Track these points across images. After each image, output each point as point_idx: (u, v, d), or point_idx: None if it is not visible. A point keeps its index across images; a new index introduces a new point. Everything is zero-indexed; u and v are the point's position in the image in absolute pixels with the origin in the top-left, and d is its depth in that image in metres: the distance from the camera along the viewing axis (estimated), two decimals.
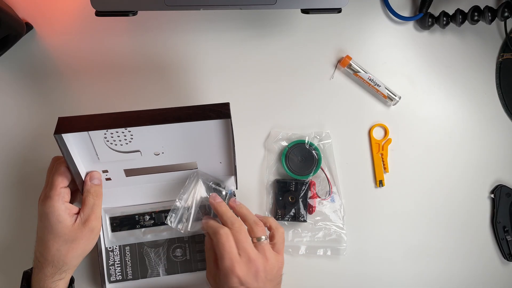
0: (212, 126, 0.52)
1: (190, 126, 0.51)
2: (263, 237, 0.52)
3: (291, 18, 0.63)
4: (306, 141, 0.61)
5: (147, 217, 0.58)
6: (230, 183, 0.59)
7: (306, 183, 0.61)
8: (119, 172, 0.56)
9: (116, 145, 0.53)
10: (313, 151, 0.61)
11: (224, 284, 0.49)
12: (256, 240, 0.51)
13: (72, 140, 0.51)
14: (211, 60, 0.63)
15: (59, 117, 0.48)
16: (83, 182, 0.54)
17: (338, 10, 0.51)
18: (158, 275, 0.58)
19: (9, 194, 0.61)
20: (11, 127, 0.61)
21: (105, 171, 0.56)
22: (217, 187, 0.58)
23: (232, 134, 0.51)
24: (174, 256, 0.58)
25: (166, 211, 0.58)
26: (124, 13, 0.51)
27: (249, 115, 0.63)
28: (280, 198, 0.61)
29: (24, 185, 0.61)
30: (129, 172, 0.57)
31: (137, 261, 0.58)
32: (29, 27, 0.61)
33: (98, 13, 0.51)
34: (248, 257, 0.49)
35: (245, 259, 0.49)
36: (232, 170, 0.57)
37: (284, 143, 0.62)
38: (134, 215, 0.58)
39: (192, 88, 0.63)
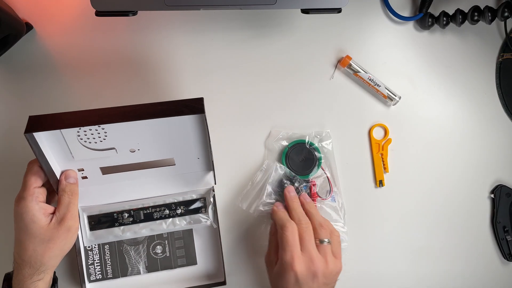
0: (186, 122, 0.51)
1: (164, 122, 0.50)
2: (326, 240, 0.52)
3: (291, 18, 0.63)
4: (307, 141, 0.61)
5: (126, 215, 0.58)
6: (208, 178, 0.59)
7: (307, 182, 0.61)
8: (95, 170, 0.56)
9: (90, 143, 0.52)
10: (314, 151, 0.61)
11: (279, 275, 0.50)
12: (319, 242, 0.52)
13: (44, 138, 0.50)
14: (211, 60, 0.63)
15: (29, 116, 0.47)
16: (58, 182, 0.54)
17: (338, 10, 0.51)
18: (139, 273, 0.58)
19: None
20: (11, 127, 0.61)
21: (80, 170, 0.55)
22: (292, 179, 0.60)
23: (207, 128, 0.51)
24: (154, 254, 0.58)
25: (145, 208, 0.58)
26: (124, 13, 0.51)
27: (249, 115, 0.63)
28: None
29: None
30: (106, 170, 0.56)
31: (117, 260, 0.58)
32: (29, 27, 0.61)
33: (98, 13, 0.51)
34: (310, 257, 0.50)
35: (307, 258, 0.50)
36: (210, 165, 0.57)
37: (285, 143, 0.62)
38: (112, 213, 0.58)
39: (192, 87, 0.63)
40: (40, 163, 0.49)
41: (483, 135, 0.64)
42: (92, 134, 0.51)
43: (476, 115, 0.65)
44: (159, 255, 0.59)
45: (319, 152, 0.62)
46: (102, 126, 0.50)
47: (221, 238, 0.59)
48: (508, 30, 0.64)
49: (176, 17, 0.62)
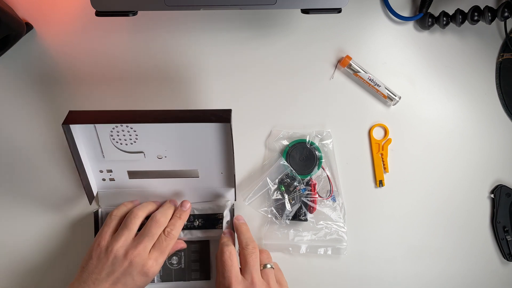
0: (212, 130, 0.53)
1: (191, 129, 0.53)
2: (269, 265, 0.53)
3: (291, 18, 0.63)
4: (307, 140, 0.61)
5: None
6: (229, 195, 0.60)
7: (307, 182, 0.61)
8: (123, 173, 0.57)
9: (121, 144, 0.55)
10: (314, 150, 0.61)
11: None
12: (262, 267, 0.53)
13: (79, 132, 0.53)
14: (211, 60, 0.63)
15: (69, 110, 0.51)
16: (86, 178, 0.55)
17: (338, 10, 0.51)
18: (153, 281, 0.58)
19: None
20: (11, 127, 0.61)
21: (109, 171, 0.57)
22: (292, 178, 0.60)
23: (231, 140, 0.52)
24: (170, 264, 0.59)
25: None
26: (124, 13, 0.51)
27: (250, 114, 0.63)
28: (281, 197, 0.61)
29: (29, 184, 0.61)
30: (132, 175, 0.58)
31: None
32: (29, 27, 0.61)
33: (98, 13, 0.51)
34: (252, 281, 0.50)
35: (248, 282, 0.50)
36: (232, 181, 0.58)
37: (285, 142, 0.62)
38: None
39: (192, 87, 0.63)
40: (73, 157, 0.52)
41: (483, 135, 0.64)
42: (124, 136, 0.54)
43: (476, 115, 0.65)
44: (174, 265, 0.59)
45: (319, 151, 0.62)
46: (134, 128, 0.53)
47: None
48: (508, 30, 0.64)
49: (176, 17, 0.62)
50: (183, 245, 0.58)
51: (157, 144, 0.55)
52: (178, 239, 0.57)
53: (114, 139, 0.54)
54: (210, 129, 0.53)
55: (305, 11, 0.51)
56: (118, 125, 0.53)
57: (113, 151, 0.55)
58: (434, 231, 0.64)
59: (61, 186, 0.61)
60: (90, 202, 0.58)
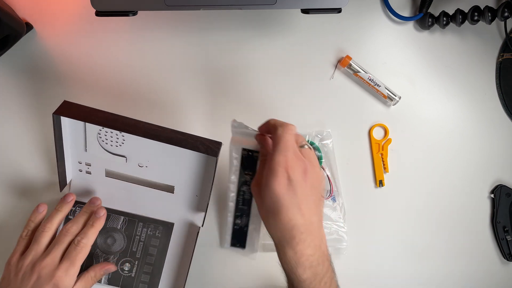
0: (198, 158, 0.54)
1: (178, 151, 0.52)
2: (306, 146, 0.47)
3: (291, 18, 0.63)
4: (307, 140, 0.61)
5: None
6: (198, 218, 0.59)
7: None
8: (100, 170, 0.58)
9: (106, 144, 0.55)
10: (314, 150, 0.61)
11: (270, 177, 0.43)
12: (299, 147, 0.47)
13: (68, 124, 0.53)
14: (211, 60, 0.63)
15: (64, 100, 0.51)
16: (63, 167, 0.56)
17: (338, 10, 0.51)
18: (100, 281, 0.57)
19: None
20: (10, 127, 0.61)
21: (88, 164, 0.58)
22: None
23: (214, 171, 0.52)
24: (121, 269, 0.58)
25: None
26: (124, 13, 0.51)
27: (249, 114, 0.63)
28: None
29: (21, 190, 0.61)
30: (110, 173, 0.58)
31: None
32: (29, 27, 0.61)
33: (98, 13, 0.51)
34: (299, 156, 0.45)
35: (296, 156, 0.44)
36: (204, 206, 0.58)
37: None
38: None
39: (192, 87, 0.63)
40: (55, 145, 0.53)
41: (483, 135, 0.64)
42: (112, 137, 0.55)
43: (476, 115, 0.65)
44: (124, 272, 0.58)
45: (319, 151, 0.62)
46: (123, 134, 0.54)
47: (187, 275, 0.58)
48: (508, 30, 0.64)
49: (176, 17, 0.62)
50: (112, 268, 0.56)
51: (141, 154, 0.55)
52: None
53: (101, 138, 0.54)
54: (196, 156, 0.54)
55: (305, 11, 0.51)
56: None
57: (97, 148, 0.55)
58: (434, 231, 0.64)
59: (34, 171, 0.61)
60: (61, 189, 0.58)
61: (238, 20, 0.63)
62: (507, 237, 0.63)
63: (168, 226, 0.59)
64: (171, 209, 0.59)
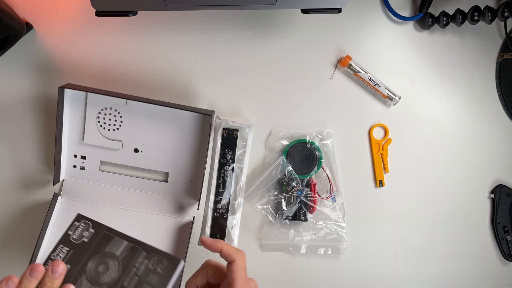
0: (192, 132, 0.56)
1: (173, 123, 0.56)
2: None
3: (291, 18, 0.63)
4: (307, 140, 0.61)
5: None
6: (192, 210, 0.59)
7: (307, 182, 0.61)
8: (95, 163, 0.59)
9: (104, 128, 0.58)
10: (314, 150, 0.61)
11: None
12: None
13: (69, 106, 0.57)
14: (211, 60, 0.63)
15: (68, 83, 0.56)
16: (59, 152, 0.57)
17: (338, 10, 0.51)
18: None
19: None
20: (10, 126, 0.61)
21: (83, 157, 0.59)
22: (291, 178, 0.61)
23: (208, 144, 0.55)
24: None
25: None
26: (124, 13, 0.51)
27: (249, 114, 0.63)
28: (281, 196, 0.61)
29: (26, 186, 0.61)
30: (104, 165, 0.59)
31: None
32: (29, 27, 0.61)
33: (98, 13, 0.51)
34: (249, 280, 0.47)
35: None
36: (198, 194, 0.58)
37: (285, 142, 0.62)
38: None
39: (191, 87, 0.63)
40: (56, 127, 0.55)
41: (483, 135, 0.64)
42: (110, 120, 0.57)
43: (476, 115, 0.65)
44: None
45: (319, 151, 0.62)
46: (121, 113, 0.57)
47: None
48: (508, 30, 0.64)
49: (176, 17, 0.62)
50: None
51: (137, 136, 0.57)
52: None
53: (99, 122, 0.57)
54: (192, 129, 0.56)
55: (305, 11, 0.51)
56: (108, 107, 0.57)
57: (95, 134, 0.57)
58: (434, 231, 0.64)
59: (29, 164, 0.62)
60: (55, 182, 0.58)
61: (238, 20, 0.63)
62: (507, 237, 0.63)
63: (173, 262, 0.47)
64: (165, 201, 0.59)
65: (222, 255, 0.46)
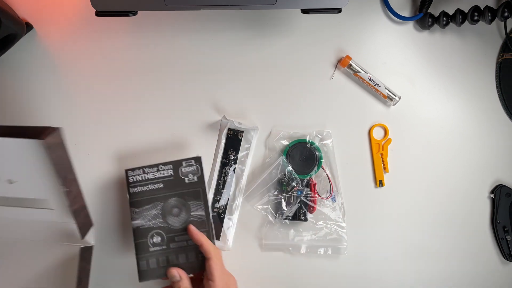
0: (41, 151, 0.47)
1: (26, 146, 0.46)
2: None
3: (291, 18, 0.63)
4: (307, 140, 0.61)
5: None
6: (88, 237, 0.53)
7: (307, 182, 0.61)
8: None
9: None
10: (314, 150, 0.61)
11: None
12: None
13: None
14: (211, 60, 0.63)
15: None
16: None
17: (338, 10, 0.51)
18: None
19: None
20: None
21: None
22: (291, 178, 0.60)
23: (69, 165, 0.47)
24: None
25: None
26: (124, 13, 0.51)
27: (249, 114, 0.63)
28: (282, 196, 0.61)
29: None
30: None
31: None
32: (29, 27, 0.61)
33: (98, 13, 0.51)
34: (227, 276, 0.53)
35: (226, 275, 0.53)
36: (90, 219, 0.52)
37: (285, 142, 0.62)
38: None
39: (191, 87, 0.63)
40: None
41: (483, 135, 0.64)
42: None
43: (476, 115, 0.65)
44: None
45: (319, 151, 0.62)
46: None
47: None
48: (508, 30, 0.64)
49: (176, 17, 0.62)
50: None
51: (7, 166, 0.48)
52: None
53: None
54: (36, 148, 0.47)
55: (305, 11, 0.51)
56: None
57: None
58: (434, 231, 0.64)
59: None
60: None
61: (238, 20, 0.63)
62: (507, 237, 0.63)
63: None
64: (53, 231, 0.52)
65: (202, 249, 0.52)
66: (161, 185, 0.54)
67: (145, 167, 0.54)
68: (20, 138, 0.44)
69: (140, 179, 0.54)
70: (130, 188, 0.53)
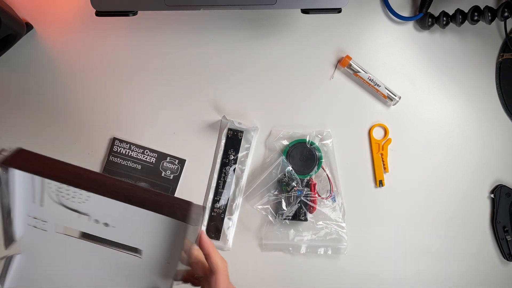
0: (172, 224, 0.46)
1: (152, 214, 0.44)
2: None
3: (291, 18, 0.63)
4: (307, 140, 0.61)
5: None
6: (165, 286, 0.51)
7: (307, 182, 0.61)
8: (58, 228, 0.48)
9: (67, 199, 0.46)
10: (314, 150, 0.61)
11: None
12: None
13: (21, 177, 0.43)
14: (211, 60, 0.63)
15: (19, 148, 0.41)
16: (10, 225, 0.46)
17: (338, 10, 0.51)
18: None
19: None
20: (10, 126, 0.61)
21: (43, 221, 0.48)
22: (291, 178, 0.60)
23: (183, 237, 0.45)
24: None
25: None
26: (124, 13, 0.51)
27: (249, 114, 0.63)
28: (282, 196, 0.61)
29: None
30: (69, 231, 0.49)
31: None
32: (29, 27, 0.61)
33: (98, 13, 0.51)
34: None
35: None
36: (172, 273, 0.49)
37: (285, 142, 0.62)
38: None
39: (191, 87, 0.63)
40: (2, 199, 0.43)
41: (483, 135, 0.64)
42: (74, 193, 0.45)
43: (476, 115, 0.65)
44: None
45: (319, 151, 0.62)
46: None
47: None
48: (508, 30, 0.64)
49: (176, 17, 0.62)
50: None
51: (107, 214, 0.47)
52: None
53: (61, 192, 0.45)
54: (169, 221, 0.45)
55: (305, 11, 0.51)
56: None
57: (55, 204, 0.46)
58: (434, 231, 0.64)
59: None
60: (6, 247, 0.47)
61: (238, 20, 0.63)
62: (507, 237, 0.63)
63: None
64: (137, 277, 0.50)
65: (208, 260, 0.47)
66: (139, 167, 0.59)
67: (133, 144, 0.59)
68: (168, 217, 0.43)
69: (124, 152, 0.59)
70: (110, 156, 0.57)
